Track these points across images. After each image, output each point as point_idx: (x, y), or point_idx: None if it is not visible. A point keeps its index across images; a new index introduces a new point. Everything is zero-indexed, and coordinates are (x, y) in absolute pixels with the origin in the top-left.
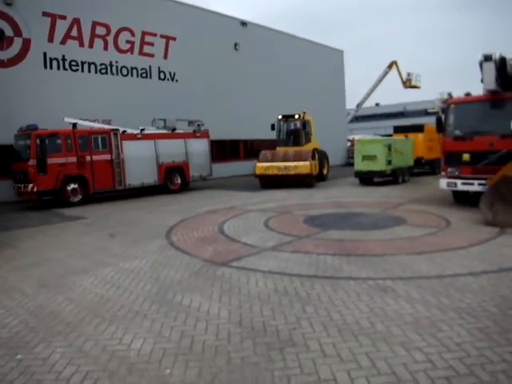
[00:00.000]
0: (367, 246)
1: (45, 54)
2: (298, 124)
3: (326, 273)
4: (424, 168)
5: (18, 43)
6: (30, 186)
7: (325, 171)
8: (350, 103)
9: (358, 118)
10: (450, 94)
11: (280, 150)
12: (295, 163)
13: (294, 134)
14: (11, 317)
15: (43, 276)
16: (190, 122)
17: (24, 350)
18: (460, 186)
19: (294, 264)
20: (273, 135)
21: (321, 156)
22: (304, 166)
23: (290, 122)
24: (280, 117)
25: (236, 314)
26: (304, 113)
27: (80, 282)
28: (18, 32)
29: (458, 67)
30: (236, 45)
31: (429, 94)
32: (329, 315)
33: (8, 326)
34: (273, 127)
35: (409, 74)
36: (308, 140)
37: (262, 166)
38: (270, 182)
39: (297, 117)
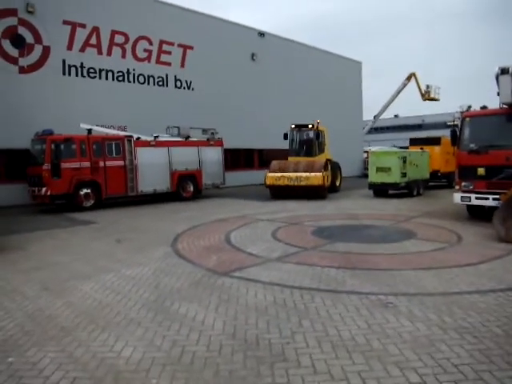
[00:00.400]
0: (374, 260)
1: (64, 61)
2: (311, 134)
3: (328, 286)
4: (440, 181)
5: (38, 50)
6: (44, 189)
7: (337, 183)
8: (368, 114)
9: (376, 129)
10: (469, 107)
11: (292, 159)
12: (307, 174)
13: (307, 143)
14: (9, 319)
15: (46, 279)
16: (204, 130)
17: (16, 353)
18: (474, 200)
19: (297, 276)
20: (288, 145)
21: (333, 167)
22: (316, 177)
23: (303, 131)
24: (293, 126)
25: (231, 325)
26: (318, 122)
27: (81, 287)
28: (38, 39)
29: (481, 79)
30: (253, 55)
31: (449, 106)
32: (325, 330)
33: (4, 329)
34: (285, 136)
35: (428, 87)
36: (321, 150)
37: (272, 176)
38: (281, 193)
39: (310, 126)
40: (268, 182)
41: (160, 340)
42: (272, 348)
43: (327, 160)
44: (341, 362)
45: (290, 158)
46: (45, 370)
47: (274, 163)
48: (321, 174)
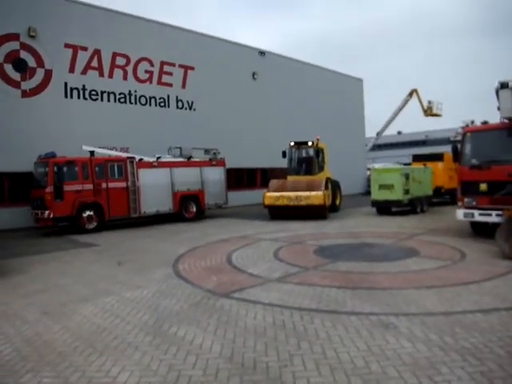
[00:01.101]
0: (375, 279)
1: (66, 84)
2: (311, 151)
3: (328, 307)
4: (444, 198)
5: (40, 74)
6: (47, 212)
7: (337, 201)
8: (371, 131)
9: (380, 146)
10: (472, 122)
11: (291, 178)
12: (307, 193)
13: (307, 161)
14: (7, 344)
15: (46, 303)
16: (207, 151)
17: (12, 380)
18: (477, 216)
19: (297, 296)
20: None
21: (333, 186)
22: (317, 197)
23: (303, 149)
24: (292, 143)
25: (228, 348)
26: (317, 139)
27: (80, 311)
28: (40, 63)
29: (484, 94)
30: (254, 74)
31: (452, 121)
32: (323, 352)
33: (1, 354)
34: (284, 154)
35: (430, 102)
36: (321, 168)
37: (271, 196)
38: (280, 214)
39: (310, 144)
40: (267, 202)
41: (157, 364)
42: (269, 371)
43: (327, 178)
44: None
45: (289, 177)
46: None
47: (273, 182)
48: (321, 192)
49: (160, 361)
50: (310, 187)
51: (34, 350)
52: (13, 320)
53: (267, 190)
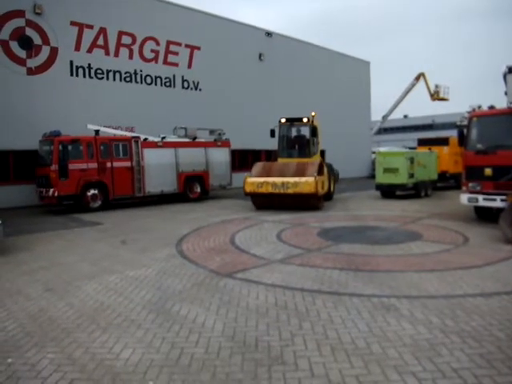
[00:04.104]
0: (377, 262)
1: (71, 62)
2: (307, 130)
3: (330, 288)
4: (449, 182)
5: (45, 51)
6: (52, 190)
7: (331, 188)
8: (377, 115)
9: (386, 130)
10: (479, 107)
11: (281, 161)
12: (296, 179)
13: (300, 141)
14: (10, 320)
15: (50, 280)
16: (212, 131)
17: (16, 354)
18: (481, 201)
19: (299, 278)
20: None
21: (328, 170)
22: (307, 184)
23: (296, 126)
24: (283, 120)
25: (230, 327)
26: (313, 116)
27: (84, 288)
28: (46, 40)
29: (492, 78)
30: (261, 55)
31: (460, 106)
32: (325, 333)
33: (5, 330)
34: (273, 133)
35: (437, 86)
36: (317, 150)
37: (252, 182)
38: (265, 203)
39: (305, 120)
40: (247, 190)
41: (159, 342)
42: (270, 350)
43: (322, 161)
44: (339, 365)
45: (279, 160)
46: (43, 371)
47: (257, 165)
48: (313, 178)
49: (163, 338)
50: (300, 172)
51: (38, 326)
52: (17, 297)
53: (249, 175)
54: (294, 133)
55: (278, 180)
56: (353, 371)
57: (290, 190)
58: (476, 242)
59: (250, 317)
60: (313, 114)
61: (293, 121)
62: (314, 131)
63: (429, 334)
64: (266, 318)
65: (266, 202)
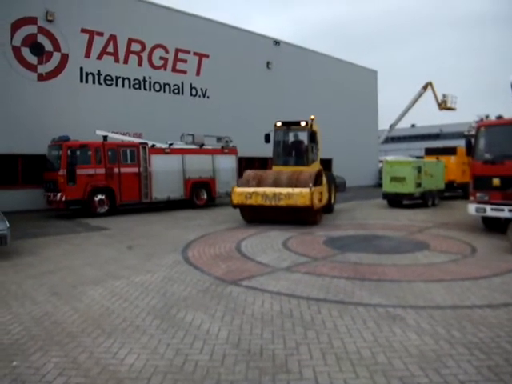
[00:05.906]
0: (384, 271)
1: (81, 69)
2: (305, 135)
3: (336, 297)
4: (456, 192)
5: (56, 58)
6: (59, 195)
7: (332, 199)
8: (384, 124)
9: (393, 139)
10: (487, 116)
11: (276, 169)
12: (288, 190)
13: (298, 148)
14: (16, 323)
15: (56, 284)
16: (219, 139)
17: (21, 358)
18: (489, 211)
19: (305, 286)
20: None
21: (329, 180)
22: (300, 195)
23: (293, 131)
24: (279, 124)
25: (235, 334)
26: (312, 119)
27: (90, 293)
28: (57, 47)
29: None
30: (268, 63)
31: (468, 115)
32: (330, 342)
33: (11, 333)
34: (267, 138)
35: (444, 96)
36: (315, 158)
37: (241, 193)
38: (255, 216)
39: (303, 124)
40: (234, 201)
41: (164, 348)
42: (275, 359)
43: (320, 170)
44: (344, 375)
45: (274, 168)
46: (47, 374)
47: (248, 174)
48: (308, 190)
49: (167, 345)
50: (294, 182)
51: (43, 329)
52: (22, 300)
53: (237, 184)
54: (290, 138)
55: (270, 191)
56: (358, 381)
57: (283, 202)
58: (484, 253)
59: (255, 325)
60: (312, 117)
61: (289, 125)
62: (312, 136)
63: (435, 344)
64: (271, 326)
65: (257, 215)
